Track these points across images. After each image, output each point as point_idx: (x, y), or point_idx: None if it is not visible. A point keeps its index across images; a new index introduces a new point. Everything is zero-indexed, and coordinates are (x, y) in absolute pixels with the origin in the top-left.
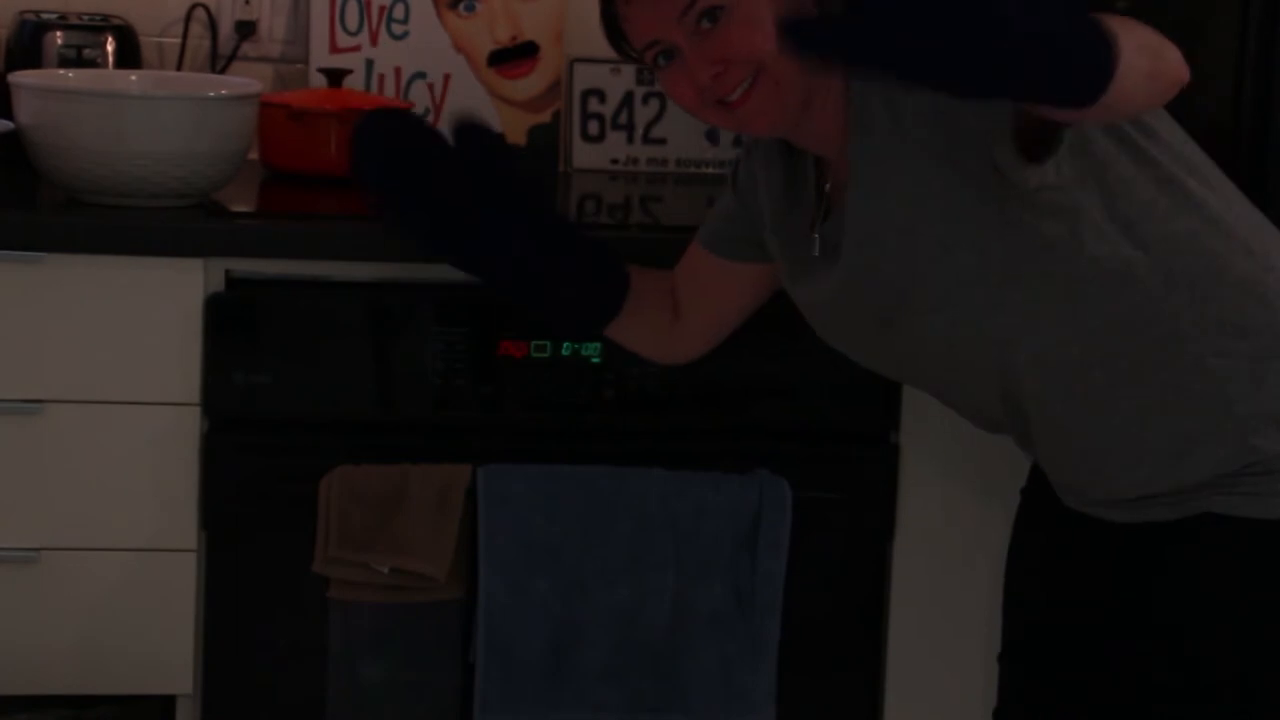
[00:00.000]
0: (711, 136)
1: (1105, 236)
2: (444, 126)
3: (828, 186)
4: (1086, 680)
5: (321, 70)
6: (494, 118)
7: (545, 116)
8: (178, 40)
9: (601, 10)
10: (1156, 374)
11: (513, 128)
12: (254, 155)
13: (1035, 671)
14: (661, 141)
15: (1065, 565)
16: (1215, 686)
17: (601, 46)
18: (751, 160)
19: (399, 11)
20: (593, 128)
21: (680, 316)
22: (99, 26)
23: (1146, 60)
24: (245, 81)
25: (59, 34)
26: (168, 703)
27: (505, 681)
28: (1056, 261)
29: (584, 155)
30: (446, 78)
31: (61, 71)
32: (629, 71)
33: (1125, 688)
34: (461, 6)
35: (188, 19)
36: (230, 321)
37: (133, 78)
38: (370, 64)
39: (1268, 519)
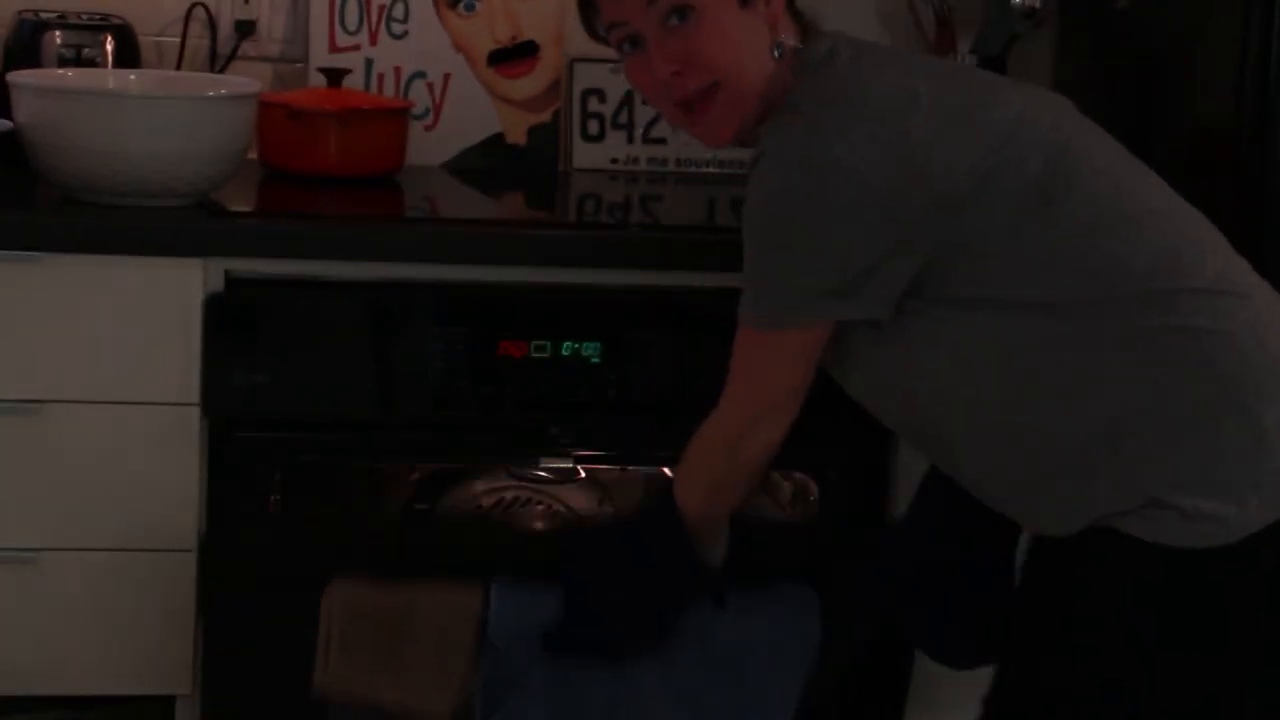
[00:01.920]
0: None
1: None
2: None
3: None
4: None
5: (321, 70)
6: (494, 117)
7: (545, 116)
8: (177, 40)
9: None
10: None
11: (513, 127)
12: (253, 155)
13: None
14: (661, 141)
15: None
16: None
17: (602, 46)
18: None
19: (399, 11)
20: (593, 127)
21: None
22: (98, 26)
23: (715, 496)
24: (245, 81)
25: (58, 34)
26: (168, 703)
27: None
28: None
29: (584, 155)
30: (446, 77)
31: (60, 71)
32: None
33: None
34: (461, 6)
35: (187, 18)
36: (230, 321)
37: (132, 77)
38: (370, 63)
39: (1157, 543)
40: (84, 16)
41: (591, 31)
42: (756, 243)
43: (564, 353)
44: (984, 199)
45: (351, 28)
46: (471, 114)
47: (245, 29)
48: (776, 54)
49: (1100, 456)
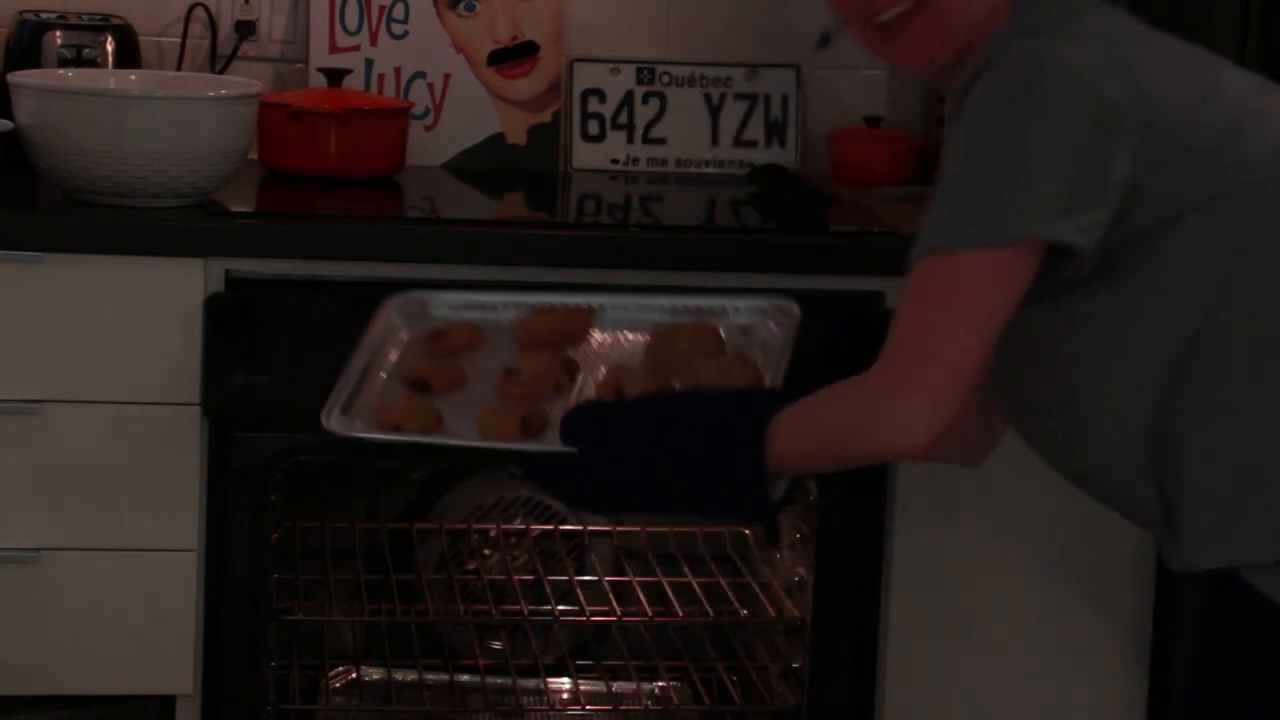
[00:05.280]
0: (712, 136)
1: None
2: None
3: None
4: None
5: (321, 70)
6: (494, 117)
7: (545, 116)
8: (177, 40)
9: None
10: None
11: (513, 128)
12: (254, 155)
13: None
14: (661, 141)
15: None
16: None
17: (601, 47)
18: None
19: (399, 11)
20: (593, 128)
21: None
22: (98, 26)
23: (807, 465)
24: (245, 81)
25: (58, 34)
26: (168, 703)
27: None
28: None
29: (584, 155)
30: (446, 78)
31: (61, 71)
32: (629, 71)
33: None
34: (461, 6)
35: (187, 19)
36: (230, 321)
37: (132, 77)
38: (370, 64)
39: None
40: (84, 17)
41: None
42: (966, 154)
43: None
44: (1204, 158)
45: (352, 28)
46: (471, 114)
47: (245, 29)
48: None
49: (1250, 491)
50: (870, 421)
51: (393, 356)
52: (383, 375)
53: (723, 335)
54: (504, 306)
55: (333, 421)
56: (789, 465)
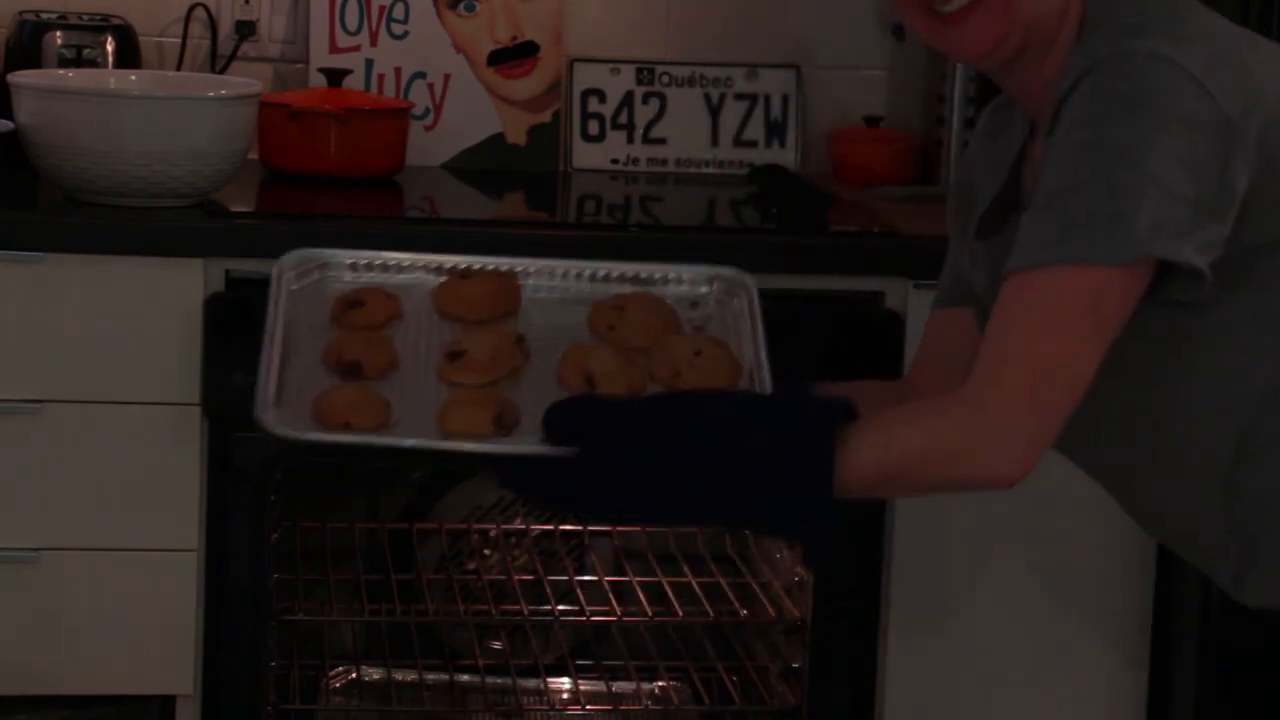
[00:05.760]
0: (712, 137)
1: None
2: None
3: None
4: None
5: (321, 70)
6: (494, 117)
7: (545, 116)
8: (177, 40)
9: None
10: None
11: (513, 128)
12: (254, 155)
13: None
14: (661, 141)
15: None
16: None
17: (601, 46)
18: (967, 167)
19: (399, 11)
20: (593, 128)
21: None
22: (99, 26)
23: (879, 489)
24: (245, 81)
25: (59, 34)
26: (168, 703)
27: None
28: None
29: (584, 155)
30: (446, 78)
31: (61, 71)
32: (629, 71)
33: None
34: (461, 6)
35: (187, 19)
36: (230, 321)
37: (132, 78)
38: (370, 64)
39: None
40: (84, 17)
41: None
42: (1081, 160)
43: None
44: None
45: (352, 28)
46: (471, 114)
47: (246, 29)
48: None
49: None
50: (969, 445)
51: (306, 333)
52: (302, 357)
53: (674, 309)
54: (414, 267)
55: (272, 422)
56: (854, 486)
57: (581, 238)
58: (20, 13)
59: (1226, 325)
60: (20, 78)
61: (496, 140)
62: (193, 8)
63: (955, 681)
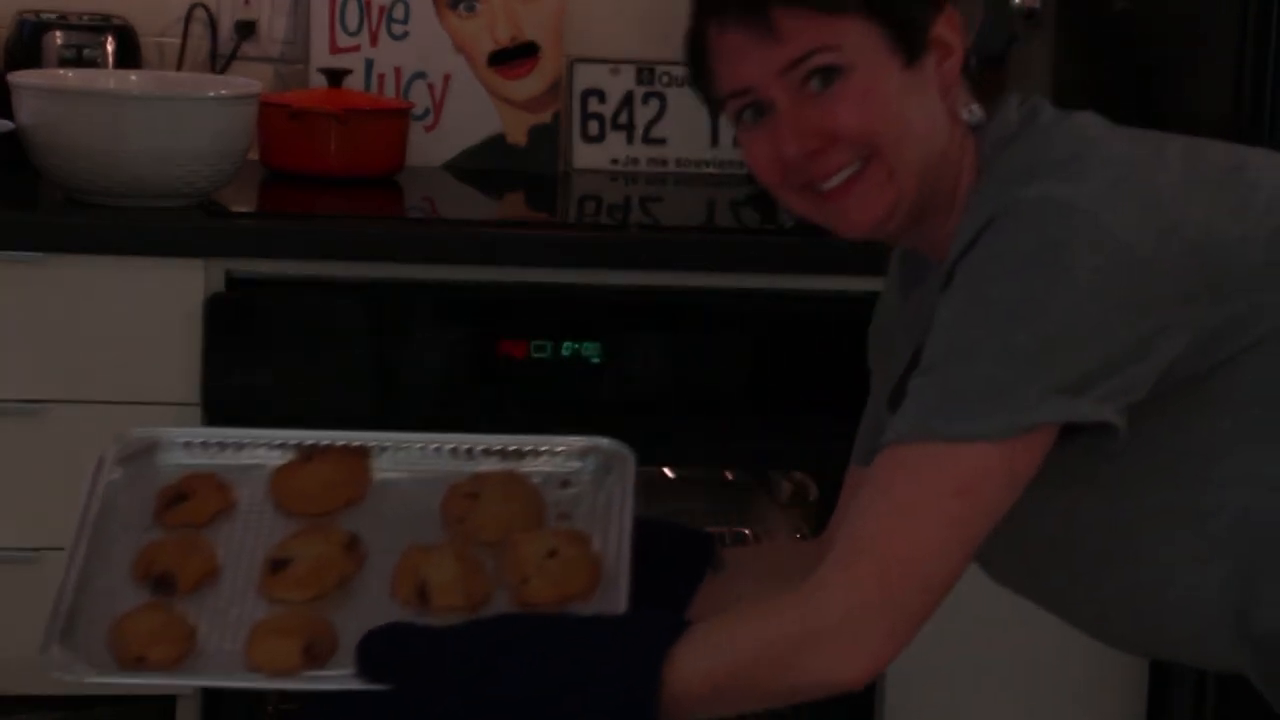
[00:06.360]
0: (712, 136)
1: None
2: None
3: None
4: None
5: (321, 70)
6: (494, 118)
7: (545, 116)
8: (177, 40)
9: (689, 32)
10: None
11: (513, 128)
12: (254, 155)
13: None
14: (661, 141)
15: None
16: None
17: (601, 46)
18: (882, 313)
19: (399, 11)
20: (593, 128)
21: None
22: (99, 26)
23: (740, 684)
24: (245, 81)
25: (59, 34)
26: (167, 703)
27: None
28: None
29: (584, 155)
30: (446, 78)
31: (61, 71)
32: (629, 71)
33: None
34: (461, 6)
35: (188, 19)
36: (230, 321)
37: (133, 78)
38: (370, 64)
39: None
40: (84, 17)
41: (698, 87)
42: (974, 324)
43: (564, 353)
44: (1257, 277)
45: (352, 28)
46: (471, 114)
47: (246, 29)
48: (968, 117)
49: None
50: (813, 645)
51: (121, 535)
52: (112, 566)
53: (539, 493)
54: (255, 444)
55: (50, 663)
56: (686, 701)
57: (581, 238)
58: (20, 13)
59: (1181, 458)
60: (20, 78)
61: (496, 140)
62: (193, 8)
63: (956, 682)
